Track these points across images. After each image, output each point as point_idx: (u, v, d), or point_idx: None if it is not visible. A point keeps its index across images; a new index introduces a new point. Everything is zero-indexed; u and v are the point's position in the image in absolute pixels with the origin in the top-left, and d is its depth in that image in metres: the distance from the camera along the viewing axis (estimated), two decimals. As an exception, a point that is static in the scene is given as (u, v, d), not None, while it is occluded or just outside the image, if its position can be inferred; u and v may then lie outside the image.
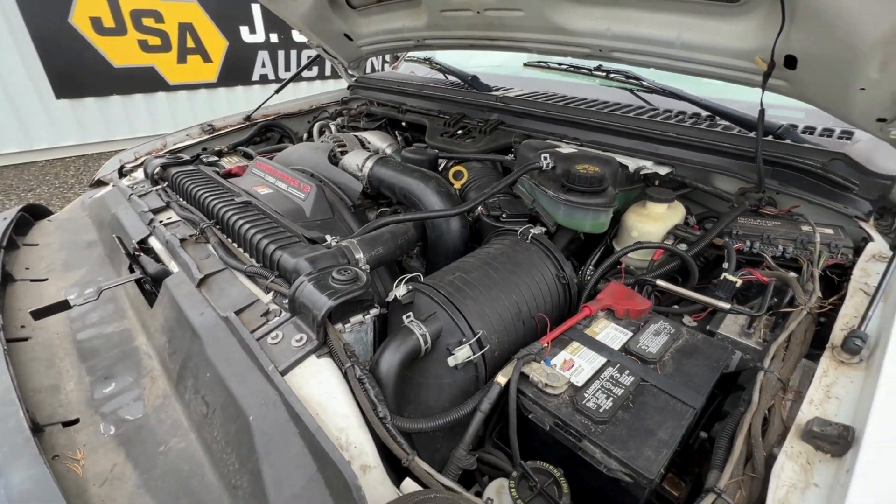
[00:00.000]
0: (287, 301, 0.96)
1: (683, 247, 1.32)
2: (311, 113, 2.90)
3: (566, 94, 2.07)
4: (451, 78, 2.58)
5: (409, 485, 0.73)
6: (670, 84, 1.80)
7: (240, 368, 0.85)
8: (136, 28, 5.64)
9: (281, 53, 6.91)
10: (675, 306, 1.23)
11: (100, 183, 2.07)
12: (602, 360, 0.98)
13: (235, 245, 1.24)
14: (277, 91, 2.77)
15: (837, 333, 0.91)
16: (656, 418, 0.84)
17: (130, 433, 0.86)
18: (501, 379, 0.91)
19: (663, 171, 1.49)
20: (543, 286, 1.16)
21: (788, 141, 1.48)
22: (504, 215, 1.42)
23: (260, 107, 2.73)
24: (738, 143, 1.46)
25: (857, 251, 1.19)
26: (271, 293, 1.03)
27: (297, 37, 7.86)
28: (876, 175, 1.32)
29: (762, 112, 1.27)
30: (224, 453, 0.78)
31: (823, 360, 0.85)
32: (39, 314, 0.99)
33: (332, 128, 2.48)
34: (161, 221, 1.37)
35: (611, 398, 0.87)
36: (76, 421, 0.88)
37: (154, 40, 5.83)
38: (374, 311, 1.00)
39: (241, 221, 1.20)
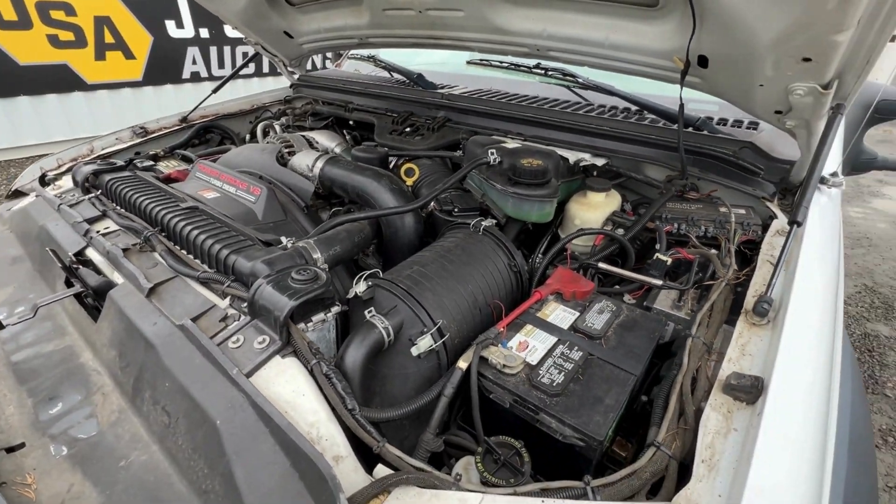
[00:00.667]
0: (246, 304, 0.96)
1: (621, 231, 1.44)
2: (253, 113, 2.82)
3: (508, 90, 2.16)
4: (396, 76, 2.60)
5: (381, 470, 0.77)
6: (603, 81, 1.93)
7: (201, 375, 0.85)
8: (43, 22, 5.14)
9: (213, 50, 6.55)
10: (616, 286, 1.34)
11: (17, 194, 1.90)
12: (553, 339, 1.06)
13: (185, 252, 1.20)
14: (215, 90, 2.66)
15: (749, 300, 1.04)
16: (603, 387, 0.93)
17: (85, 451, 0.83)
18: (462, 364, 0.97)
19: (600, 162, 1.61)
20: (497, 275, 1.23)
21: (706, 132, 1.64)
22: (456, 209, 1.47)
23: (197, 107, 2.61)
24: (663, 135, 1.60)
25: (765, 228, 1.36)
26: (228, 298, 1.02)
27: (232, 32, 7.52)
28: (777, 160, 1.50)
29: (682, 107, 1.41)
30: (192, 460, 0.78)
31: (739, 323, 0.98)
32: (-34, 338, 0.92)
33: (277, 128, 2.43)
34: (98, 231, 1.30)
35: (562, 373, 0.96)
36: (21, 445, 0.84)
37: (66, 35, 5.34)
38: (335, 309, 1.02)
39: (189, 227, 1.17)
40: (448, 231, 1.39)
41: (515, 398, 0.93)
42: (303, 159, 1.62)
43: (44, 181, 1.87)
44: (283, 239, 1.14)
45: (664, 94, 1.81)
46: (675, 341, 1.14)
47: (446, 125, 1.94)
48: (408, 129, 1.99)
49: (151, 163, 2.13)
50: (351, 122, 2.38)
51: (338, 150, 2.06)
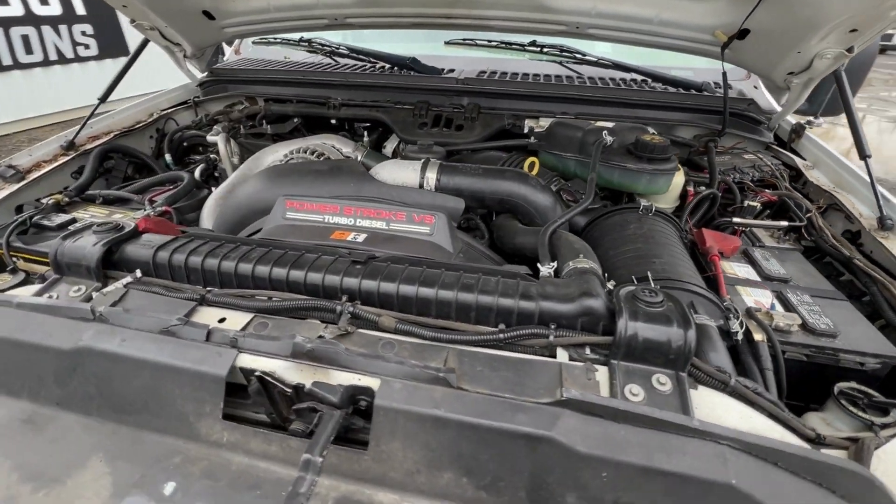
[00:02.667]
0: (606, 349, 0.80)
1: (702, 189, 1.64)
2: (153, 125, 2.09)
3: (501, 69, 2.11)
4: (343, 60, 2.25)
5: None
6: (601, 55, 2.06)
7: (648, 443, 0.69)
8: None
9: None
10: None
11: None
12: (768, 292, 1.19)
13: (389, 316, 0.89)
14: (104, 98, 1.86)
15: (863, 220, 1.35)
16: (846, 315, 1.11)
17: None
18: (758, 336, 1.02)
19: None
20: (682, 248, 1.28)
21: (715, 94, 1.94)
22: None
23: (83, 126, 1.80)
24: (686, 100, 1.84)
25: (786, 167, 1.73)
26: (565, 350, 0.82)
27: (40, 9, 5.56)
28: (765, 112, 1.90)
29: (725, 74, 1.65)
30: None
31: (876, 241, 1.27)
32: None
33: (227, 142, 1.87)
34: (239, 333, 0.85)
35: (818, 315, 1.10)
36: None
37: None
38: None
39: (411, 284, 0.87)
40: (607, 219, 1.35)
41: (812, 349, 1.03)
42: (401, 174, 1.31)
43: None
44: (542, 267, 0.95)
45: (654, 63, 2.06)
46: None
47: (481, 113, 1.82)
48: (442, 123, 1.79)
49: (68, 217, 1.45)
50: (333, 122, 1.99)
51: (358, 155, 1.72)
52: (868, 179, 1.40)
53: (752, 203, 1.55)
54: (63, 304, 0.89)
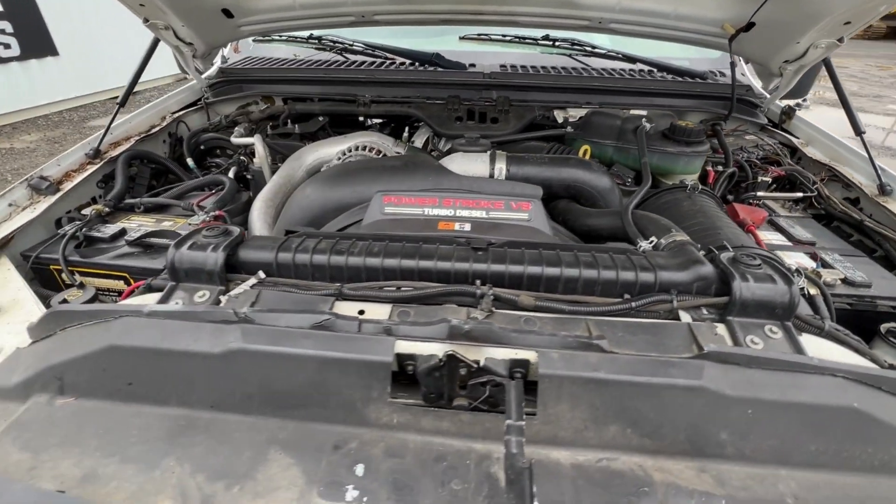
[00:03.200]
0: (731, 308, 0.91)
1: (719, 168, 1.81)
2: (166, 129, 2.02)
3: (520, 63, 2.20)
4: (355, 57, 2.26)
5: None
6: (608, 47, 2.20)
7: (779, 384, 0.81)
8: None
9: None
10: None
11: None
12: (802, 253, 1.37)
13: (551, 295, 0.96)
14: (122, 102, 1.77)
15: (863, 188, 1.57)
16: (870, 269, 1.30)
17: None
18: (813, 290, 1.18)
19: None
20: (730, 220, 1.44)
21: (718, 81, 2.13)
22: (629, 181, 1.57)
23: (106, 132, 1.72)
24: (694, 88, 2.02)
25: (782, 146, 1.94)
26: (687, 312, 0.93)
27: None
28: (759, 97, 2.11)
29: (733, 65, 1.83)
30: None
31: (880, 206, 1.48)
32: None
33: (264, 144, 1.85)
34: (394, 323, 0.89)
35: (851, 270, 1.28)
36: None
37: None
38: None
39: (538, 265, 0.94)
40: (659, 197, 1.48)
41: (853, 299, 1.21)
42: (471, 166, 1.37)
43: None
44: (642, 242, 1.06)
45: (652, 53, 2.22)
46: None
47: (512, 105, 1.90)
48: (476, 116, 1.86)
49: (117, 227, 1.42)
50: (362, 119, 2.00)
51: (401, 151, 1.75)
52: (865, 154, 1.62)
53: (764, 178, 1.75)
54: (203, 309, 0.89)
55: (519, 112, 1.88)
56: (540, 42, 2.21)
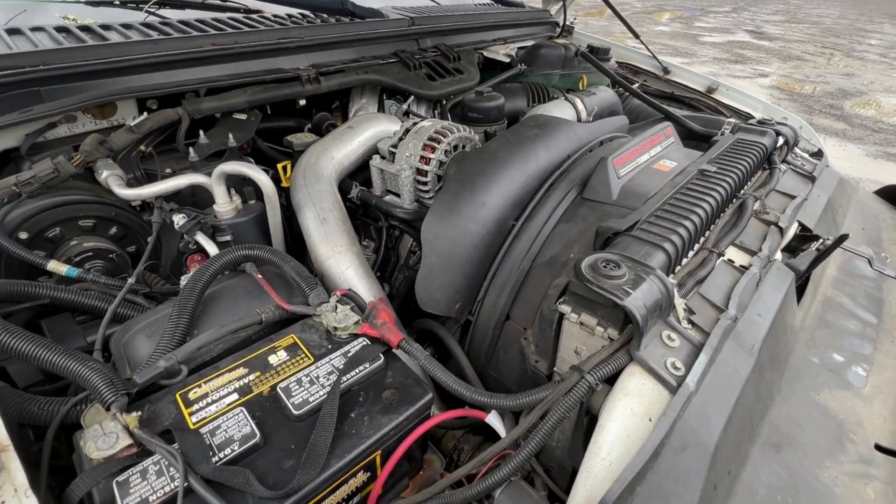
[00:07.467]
0: None
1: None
2: None
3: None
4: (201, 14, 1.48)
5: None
6: None
7: None
8: None
9: None
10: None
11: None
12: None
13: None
14: None
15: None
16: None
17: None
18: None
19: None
20: None
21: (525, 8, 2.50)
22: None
23: None
24: (522, 17, 2.37)
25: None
26: None
27: None
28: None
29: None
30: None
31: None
32: None
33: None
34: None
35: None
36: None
37: None
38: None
39: None
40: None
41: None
42: (561, 114, 1.30)
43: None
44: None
45: None
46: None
47: (457, 52, 1.75)
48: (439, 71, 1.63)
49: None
50: (303, 103, 1.41)
51: (396, 127, 1.39)
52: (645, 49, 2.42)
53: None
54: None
55: (468, 59, 1.76)
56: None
